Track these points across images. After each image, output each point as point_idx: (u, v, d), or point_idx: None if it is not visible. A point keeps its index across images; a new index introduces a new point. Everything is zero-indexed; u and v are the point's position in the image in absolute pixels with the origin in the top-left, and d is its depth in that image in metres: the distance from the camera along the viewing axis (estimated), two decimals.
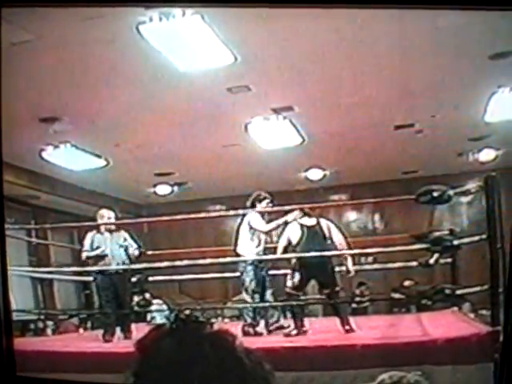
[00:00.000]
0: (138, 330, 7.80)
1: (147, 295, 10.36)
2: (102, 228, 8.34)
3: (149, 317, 10.05)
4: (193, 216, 8.78)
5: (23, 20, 5.98)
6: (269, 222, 8.25)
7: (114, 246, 8.24)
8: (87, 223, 8.69)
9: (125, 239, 8.38)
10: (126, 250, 8.34)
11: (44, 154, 9.52)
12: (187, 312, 8.84)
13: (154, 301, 10.54)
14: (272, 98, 8.55)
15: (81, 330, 9.80)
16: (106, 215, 8.36)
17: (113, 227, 8.40)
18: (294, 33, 6.58)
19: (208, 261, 8.25)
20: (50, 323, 10.42)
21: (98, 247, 8.19)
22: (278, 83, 7.98)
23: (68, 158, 9.68)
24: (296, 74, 7.67)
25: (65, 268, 9.60)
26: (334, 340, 6.51)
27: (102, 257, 8.17)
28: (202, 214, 9.45)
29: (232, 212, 9.27)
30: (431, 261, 6.86)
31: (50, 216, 11.02)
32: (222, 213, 11.22)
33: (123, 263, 8.24)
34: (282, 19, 6.18)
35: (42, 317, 10.50)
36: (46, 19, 5.98)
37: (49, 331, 10.35)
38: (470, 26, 6.24)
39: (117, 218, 8.51)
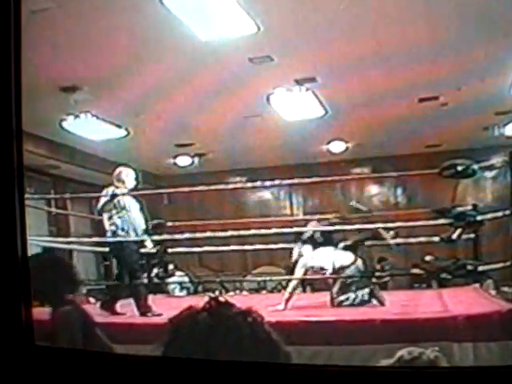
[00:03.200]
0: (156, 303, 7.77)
1: (171, 266, 10.37)
2: (126, 185, 8.00)
3: (170, 288, 10.08)
4: (213, 187, 8.73)
5: None
6: None
7: (134, 209, 7.92)
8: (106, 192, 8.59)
9: (141, 206, 8.07)
10: (145, 217, 8.05)
11: (64, 124, 9.50)
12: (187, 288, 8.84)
13: (177, 273, 10.57)
14: (295, 69, 8.46)
15: (91, 300, 9.78)
16: (125, 172, 8.05)
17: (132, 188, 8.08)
18: (318, 3, 6.48)
19: (228, 233, 8.21)
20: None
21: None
22: (301, 54, 7.87)
23: (88, 128, 9.64)
24: (319, 44, 7.57)
25: (84, 238, 9.55)
26: (353, 314, 6.49)
27: (121, 209, 7.83)
28: (222, 186, 9.42)
29: (252, 184, 9.21)
30: (454, 236, 6.79)
31: (70, 186, 11.05)
32: (242, 185, 11.18)
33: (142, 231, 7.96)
34: None
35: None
36: None
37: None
38: None
39: (137, 177, 8.18)
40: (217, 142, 11.15)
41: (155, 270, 9.59)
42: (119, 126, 10.01)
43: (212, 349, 1.76)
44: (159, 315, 7.12)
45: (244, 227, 8.53)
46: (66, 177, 11.14)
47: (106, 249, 8.42)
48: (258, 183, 8.67)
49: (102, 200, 7.90)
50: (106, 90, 8.58)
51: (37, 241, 8.68)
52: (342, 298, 7.69)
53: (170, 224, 8.98)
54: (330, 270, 7.80)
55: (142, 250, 8.05)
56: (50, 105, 8.66)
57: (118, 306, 7.62)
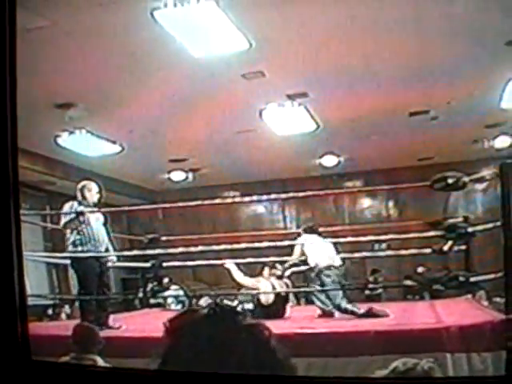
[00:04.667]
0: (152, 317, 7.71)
1: (166, 280, 10.39)
2: (88, 201, 7.70)
3: (165, 301, 10.08)
4: (207, 202, 8.77)
5: (38, 6, 5.98)
6: None
7: (96, 224, 7.67)
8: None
9: (105, 221, 7.85)
10: (107, 231, 7.83)
11: (59, 140, 9.56)
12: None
13: (172, 286, 10.58)
14: (287, 85, 8.53)
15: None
16: (89, 187, 7.73)
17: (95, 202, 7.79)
18: (309, 18, 6.56)
19: (222, 247, 8.23)
20: (65, 308, 10.50)
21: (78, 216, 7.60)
22: (293, 69, 7.95)
23: (83, 144, 9.70)
24: (310, 60, 7.63)
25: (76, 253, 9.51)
26: (348, 326, 6.53)
27: (80, 224, 7.55)
28: (217, 201, 9.45)
29: (245, 198, 9.26)
30: (445, 248, 6.85)
31: (63, 201, 11.05)
32: (236, 199, 11.22)
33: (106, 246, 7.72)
34: (296, 4, 6.17)
35: (58, 301, 10.56)
36: (60, 5, 5.99)
37: (63, 316, 10.43)
38: (486, 12, 6.20)
39: (100, 191, 7.82)
40: (210, 156, 11.19)
41: (150, 285, 9.64)
42: (114, 142, 10.06)
43: (214, 360, 1.73)
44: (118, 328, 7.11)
45: (238, 241, 8.55)
46: (62, 192, 11.14)
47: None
48: (252, 197, 8.71)
49: (67, 217, 7.65)
50: (100, 106, 8.63)
51: (32, 256, 8.72)
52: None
53: (164, 238, 9.01)
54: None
55: (121, 264, 7.95)
56: (46, 121, 8.72)
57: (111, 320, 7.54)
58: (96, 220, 7.65)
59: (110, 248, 7.77)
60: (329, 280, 7.80)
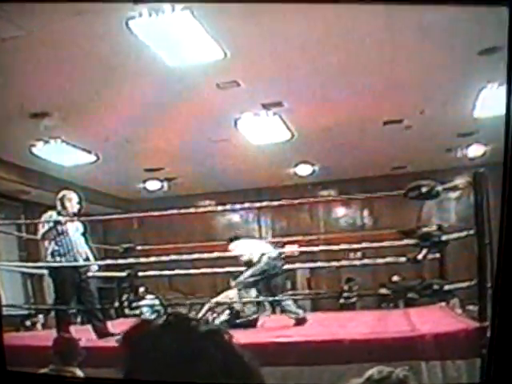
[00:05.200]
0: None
1: (141, 289, 10.35)
2: (67, 211, 7.64)
3: (140, 311, 10.03)
4: (182, 211, 8.76)
5: (13, 15, 5.96)
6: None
7: (75, 234, 7.63)
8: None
9: (84, 231, 7.81)
10: (86, 240, 7.79)
11: (34, 150, 9.52)
12: (176, 309, 8.78)
13: (147, 296, 10.55)
14: (261, 94, 8.57)
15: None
16: (68, 196, 7.67)
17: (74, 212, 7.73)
18: (283, 29, 6.59)
19: (197, 256, 8.22)
20: (40, 318, 10.43)
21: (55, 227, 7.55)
22: (268, 79, 7.98)
23: (58, 154, 9.66)
24: (285, 69, 7.69)
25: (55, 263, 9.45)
26: (322, 335, 6.54)
27: (60, 234, 7.50)
28: (192, 210, 9.44)
29: (221, 207, 9.25)
30: (419, 256, 6.87)
31: (41, 211, 10.98)
32: (211, 208, 11.22)
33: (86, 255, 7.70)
34: (271, 15, 6.20)
35: (33, 311, 10.48)
36: (35, 15, 5.97)
37: (39, 326, 10.36)
38: (459, 22, 6.26)
39: (80, 201, 7.80)
40: (185, 166, 11.19)
41: (126, 294, 9.58)
42: (89, 152, 10.03)
43: (175, 369, 1.72)
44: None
45: (213, 250, 8.54)
46: (37, 202, 11.08)
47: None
48: (227, 206, 8.70)
49: (45, 227, 7.57)
50: (75, 115, 8.60)
51: (7, 266, 8.65)
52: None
53: (140, 248, 8.98)
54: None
55: (91, 274, 7.90)
56: (20, 131, 8.68)
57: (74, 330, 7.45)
58: (75, 230, 7.62)
59: (90, 257, 7.74)
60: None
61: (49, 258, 7.57)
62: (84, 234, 7.73)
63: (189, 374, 1.67)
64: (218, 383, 1.68)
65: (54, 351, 5.36)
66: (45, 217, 7.66)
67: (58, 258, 7.49)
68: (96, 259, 7.96)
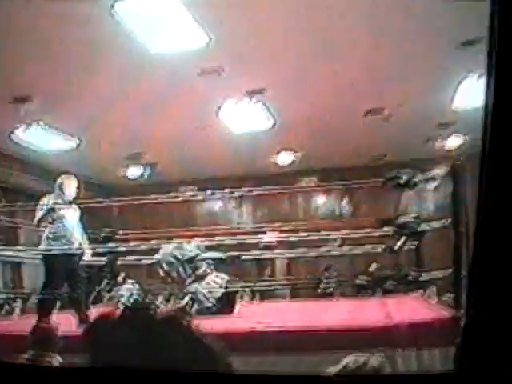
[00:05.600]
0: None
1: (121, 275, 10.34)
2: (66, 196, 7.73)
3: (119, 297, 10.02)
4: (163, 198, 8.76)
5: None
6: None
7: (72, 219, 7.69)
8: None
9: (81, 216, 7.84)
10: (83, 225, 7.84)
11: (15, 134, 9.42)
12: (135, 298, 8.79)
13: (128, 280, 10.53)
14: (244, 81, 8.57)
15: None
16: (68, 181, 7.77)
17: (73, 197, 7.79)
18: (269, 16, 6.61)
19: (176, 242, 8.24)
20: (18, 303, 10.40)
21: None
22: (252, 66, 7.99)
23: (40, 138, 9.60)
24: (270, 56, 7.70)
25: (33, 248, 9.41)
26: (299, 323, 6.58)
27: (58, 220, 7.58)
28: (173, 196, 9.44)
29: (202, 194, 9.27)
30: (397, 245, 6.96)
31: (20, 197, 10.94)
32: (192, 195, 11.23)
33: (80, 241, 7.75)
34: (257, 2, 6.21)
35: (12, 296, 10.45)
36: None
37: (17, 312, 10.32)
38: (440, 13, 6.31)
39: (79, 187, 7.90)
40: (167, 152, 11.18)
41: (106, 280, 9.57)
42: (71, 137, 9.98)
43: (139, 357, 1.74)
44: None
45: (194, 236, 8.57)
46: (16, 188, 11.03)
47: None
48: (208, 193, 8.73)
49: (41, 212, 7.61)
50: (57, 100, 8.54)
51: None
52: None
53: (121, 233, 8.98)
54: None
55: (85, 260, 7.91)
56: (1, 115, 8.63)
57: (55, 317, 7.43)
58: (72, 215, 7.62)
59: (86, 243, 7.76)
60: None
61: (43, 242, 7.57)
62: (81, 220, 7.74)
63: (153, 361, 1.70)
64: (182, 368, 1.71)
65: (32, 339, 5.38)
66: (43, 201, 7.65)
67: (52, 243, 7.49)
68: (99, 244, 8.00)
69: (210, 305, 7.96)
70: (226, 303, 8.05)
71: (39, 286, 7.94)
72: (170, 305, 8.48)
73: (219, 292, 8.08)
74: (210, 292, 8.06)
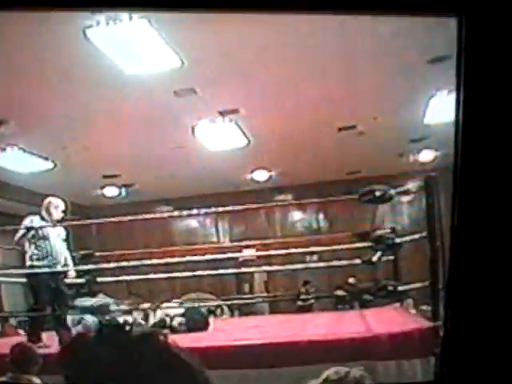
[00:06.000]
0: None
1: (100, 295, 10.31)
2: (52, 217, 7.67)
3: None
4: (140, 217, 8.80)
5: None
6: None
7: (56, 239, 7.66)
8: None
9: (66, 236, 7.88)
10: (68, 246, 7.87)
11: None
12: (108, 318, 8.78)
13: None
14: (218, 101, 8.66)
15: (21, 332, 9.65)
16: (55, 203, 7.73)
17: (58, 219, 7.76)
18: (240, 37, 6.67)
19: (155, 261, 8.26)
20: None
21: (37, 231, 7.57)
22: (224, 87, 8.07)
23: (15, 161, 9.61)
24: (241, 77, 7.79)
25: (12, 270, 9.39)
26: (279, 337, 6.62)
27: (42, 239, 7.53)
28: (150, 216, 9.47)
29: (178, 213, 9.32)
30: (374, 258, 7.02)
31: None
32: (169, 214, 11.27)
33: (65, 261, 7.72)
34: (227, 23, 6.27)
35: None
36: None
37: None
38: (410, 31, 6.41)
39: (66, 209, 7.88)
40: (143, 172, 11.22)
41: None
42: (46, 159, 9.99)
43: (116, 376, 1.75)
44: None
45: (171, 255, 8.60)
46: None
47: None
48: (185, 212, 8.78)
49: (20, 231, 7.59)
50: (32, 123, 8.55)
51: None
52: None
53: (98, 254, 8.98)
54: None
55: (68, 280, 7.93)
56: None
57: (44, 337, 7.42)
58: (57, 235, 7.64)
59: (70, 263, 7.78)
60: None
61: (28, 262, 7.59)
62: (66, 240, 7.77)
63: (130, 380, 1.73)
64: None
65: (11, 359, 5.35)
66: (26, 221, 7.67)
67: (35, 263, 7.50)
68: (75, 265, 8.00)
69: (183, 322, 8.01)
70: (200, 320, 8.10)
71: (18, 307, 7.92)
72: (148, 322, 8.51)
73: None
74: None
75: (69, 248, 7.85)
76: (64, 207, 7.71)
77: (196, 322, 8.01)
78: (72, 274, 7.89)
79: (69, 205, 7.85)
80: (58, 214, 7.67)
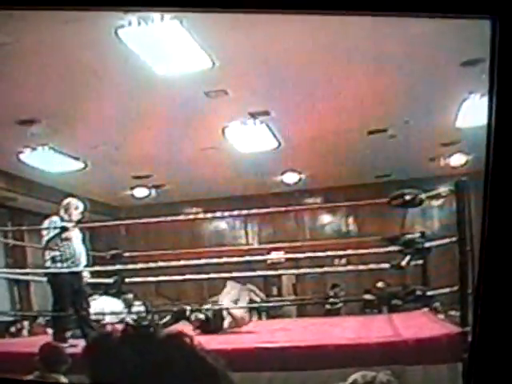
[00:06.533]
0: None
1: (130, 296, 10.37)
2: (71, 218, 7.76)
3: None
4: (169, 218, 8.82)
5: (0, 23, 5.99)
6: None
7: (76, 241, 7.76)
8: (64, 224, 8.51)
9: (83, 238, 7.91)
10: (86, 248, 7.92)
11: (22, 157, 9.53)
12: (135, 317, 8.81)
13: (135, 302, 10.55)
14: (249, 103, 8.65)
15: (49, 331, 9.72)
16: (75, 204, 7.82)
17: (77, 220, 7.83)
18: (271, 38, 6.66)
19: (183, 262, 8.28)
20: (25, 324, 10.42)
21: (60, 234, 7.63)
22: (255, 88, 8.06)
23: (46, 161, 9.67)
24: (272, 79, 7.75)
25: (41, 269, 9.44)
26: (307, 340, 6.61)
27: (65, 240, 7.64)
28: (179, 217, 9.48)
29: (208, 215, 9.33)
30: (403, 263, 6.98)
31: (27, 218, 10.99)
32: (199, 215, 11.29)
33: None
34: (259, 25, 6.27)
35: (19, 318, 10.47)
36: (24, 22, 6.00)
37: (25, 332, 10.34)
38: (442, 34, 6.36)
39: (84, 210, 7.99)
40: (173, 173, 11.23)
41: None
42: (77, 159, 10.05)
43: (140, 376, 1.74)
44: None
45: (200, 256, 8.60)
46: (24, 209, 11.08)
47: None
48: (214, 214, 8.78)
49: (50, 233, 7.64)
50: (63, 123, 8.63)
51: None
52: None
53: (127, 254, 9.02)
54: None
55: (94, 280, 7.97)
56: (8, 138, 8.71)
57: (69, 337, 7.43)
58: (76, 237, 7.66)
59: (87, 264, 7.81)
60: None
61: (48, 263, 7.58)
62: (83, 242, 7.78)
63: (155, 380, 1.72)
64: None
65: (39, 358, 5.38)
66: (49, 222, 7.67)
67: (58, 264, 7.51)
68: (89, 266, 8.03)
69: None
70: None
71: (47, 306, 7.96)
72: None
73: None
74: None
75: (86, 250, 7.85)
76: (83, 208, 7.71)
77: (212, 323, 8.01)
78: (87, 275, 7.92)
79: (87, 205, 7.85)
80: (77, 215, 7.68)
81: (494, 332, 2.09)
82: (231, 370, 1.88)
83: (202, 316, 8.03)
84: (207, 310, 8.06)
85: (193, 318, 7.98)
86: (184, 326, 7.57)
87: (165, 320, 8.20)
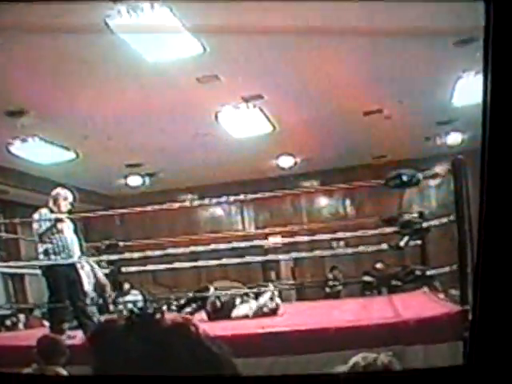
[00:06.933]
0: None
1: (126, 286, 10.34)
2: (61, 209, 7.45)
3: (124, 307, 10.01)
4: (164, 206, 8.76)
5: None
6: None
7: (68, 232, 7.49)
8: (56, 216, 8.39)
9: (74, 228, 7.66)
10: (79, 239, 7.70)
11: (12, 148, 9.45)
12: (140, 305, 8.77)
13: (132, 291, 10.54)
14: (241, 87, 8.60)
15: (46, 323, 9.68)
16: (63, 195, 7.49)
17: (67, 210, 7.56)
18: (261, 22, 6.61)
19: (180, 250, 8.23)
20: (21, 317, 10.40)
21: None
22: (247, 72, 8.02)
23: (37, 152, 9.61)
24: (264, 62, 7.72)
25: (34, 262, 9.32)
26: (307, 324, 6.59)
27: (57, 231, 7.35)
28: (174, 205, 9.43)
29: (203, 201, 9.28)
30: (401, 243, 6.95)
31: (20, 210, 10.92)
32: (194, 202, 11.25)
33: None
34: (249, 10, 6.23)
35: (14, 311, 10.44)
36: (12, 12, 5.94)
37: (21, 325, 10.31)
38: (435, 14, 6.32)
39: (74, 200, 7.61)
40: (167, 160, 11.21)
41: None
42: (68, 149, 9.99)
43: (145, 364, 1.71)
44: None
45: (196, 243, 8.56)
46: (16, 201, 11.03)
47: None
48: (210, 200, 8.73)
49: (43, 226, 7.37)
50: (53, 113, 8.55)
51: None
52: None
53: (122, 244, 8.96)
54: None
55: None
56: None
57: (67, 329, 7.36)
58: (68, 228, 7.55)
59: (82, 255, 7.73)
60: None
61: (41, 256, 7.47)
62: (75, 232, 7.68)
63: (160, 368, 1.70)
64: (189, 374, 1.70)
65: (38, 350, 5.34)
66: (39, 215, 7.55)
67: (52, 257, 7.40)
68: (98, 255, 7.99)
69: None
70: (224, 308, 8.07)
71: (43, 298, 7.91)
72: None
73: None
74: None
75: (79, 240, 7.76)
76: (72, 198, 7.58)
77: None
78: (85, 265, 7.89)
79: (77, 195, 7.71)
80: (66, 206, 7.54)
81: (494, 310, 2.06)
82: (233, 356, 1.86)
83: (218, 303, 8.02)
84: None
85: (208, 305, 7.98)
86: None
87: (187, 309, 8.15)
